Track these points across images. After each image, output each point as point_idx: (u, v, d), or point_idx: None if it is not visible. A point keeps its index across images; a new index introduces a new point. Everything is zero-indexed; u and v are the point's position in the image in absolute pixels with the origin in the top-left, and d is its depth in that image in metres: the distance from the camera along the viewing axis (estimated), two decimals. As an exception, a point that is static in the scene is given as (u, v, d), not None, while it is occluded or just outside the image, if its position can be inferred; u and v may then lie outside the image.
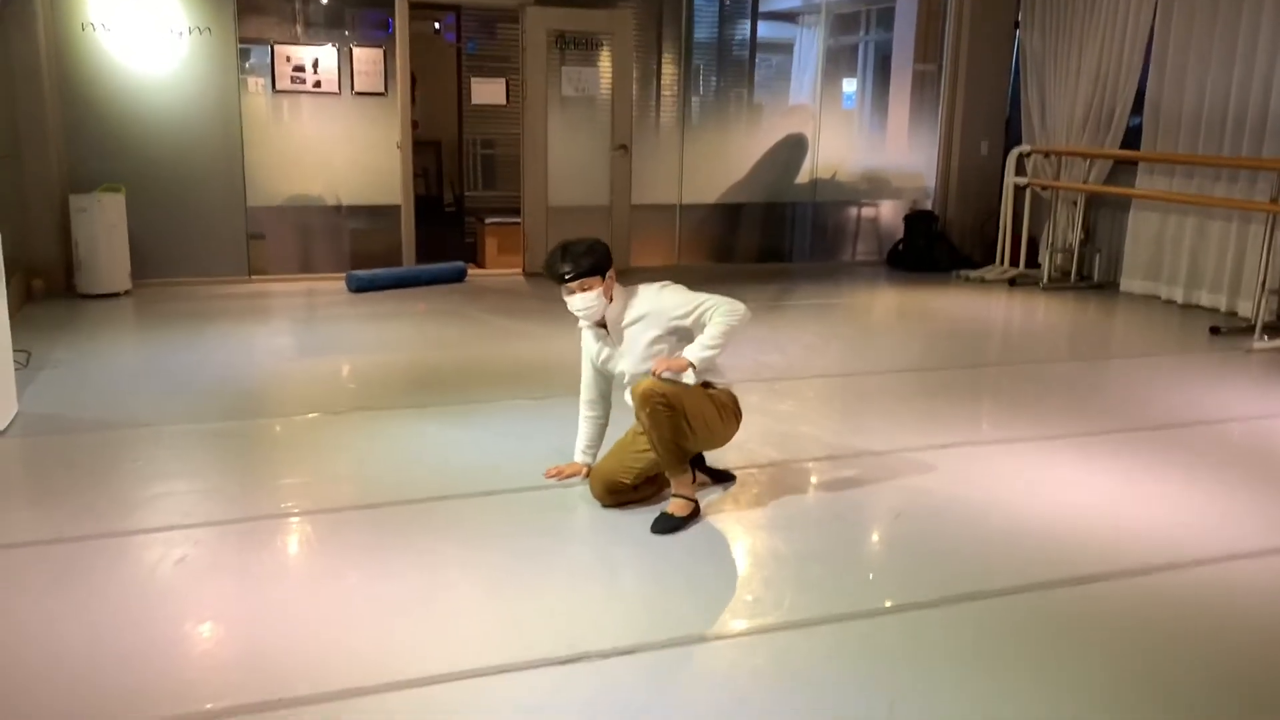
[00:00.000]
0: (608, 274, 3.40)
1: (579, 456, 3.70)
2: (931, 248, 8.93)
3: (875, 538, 3.42)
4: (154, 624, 2.72)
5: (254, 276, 7.74)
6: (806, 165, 9.03)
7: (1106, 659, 2.64)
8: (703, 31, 8.80)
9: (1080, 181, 8.18)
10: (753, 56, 9.10)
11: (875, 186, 9.31)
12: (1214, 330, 6.61)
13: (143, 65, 7.22)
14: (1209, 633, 2.78)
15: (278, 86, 7.61)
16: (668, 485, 3.47)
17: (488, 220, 8.81)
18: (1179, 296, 7.54)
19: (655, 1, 8.53)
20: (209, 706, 2.35)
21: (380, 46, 7.82)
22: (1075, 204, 8.26)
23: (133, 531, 3.30)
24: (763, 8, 9.01)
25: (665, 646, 2.65)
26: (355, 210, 8.01)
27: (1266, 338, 6.24)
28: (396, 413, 4.62)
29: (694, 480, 3.47)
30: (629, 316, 3.42)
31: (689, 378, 3.27)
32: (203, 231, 7.55)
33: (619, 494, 3.48)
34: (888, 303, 7.67)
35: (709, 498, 3.62)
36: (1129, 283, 7.95)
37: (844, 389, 5.16)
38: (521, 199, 8.34)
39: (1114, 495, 3.77)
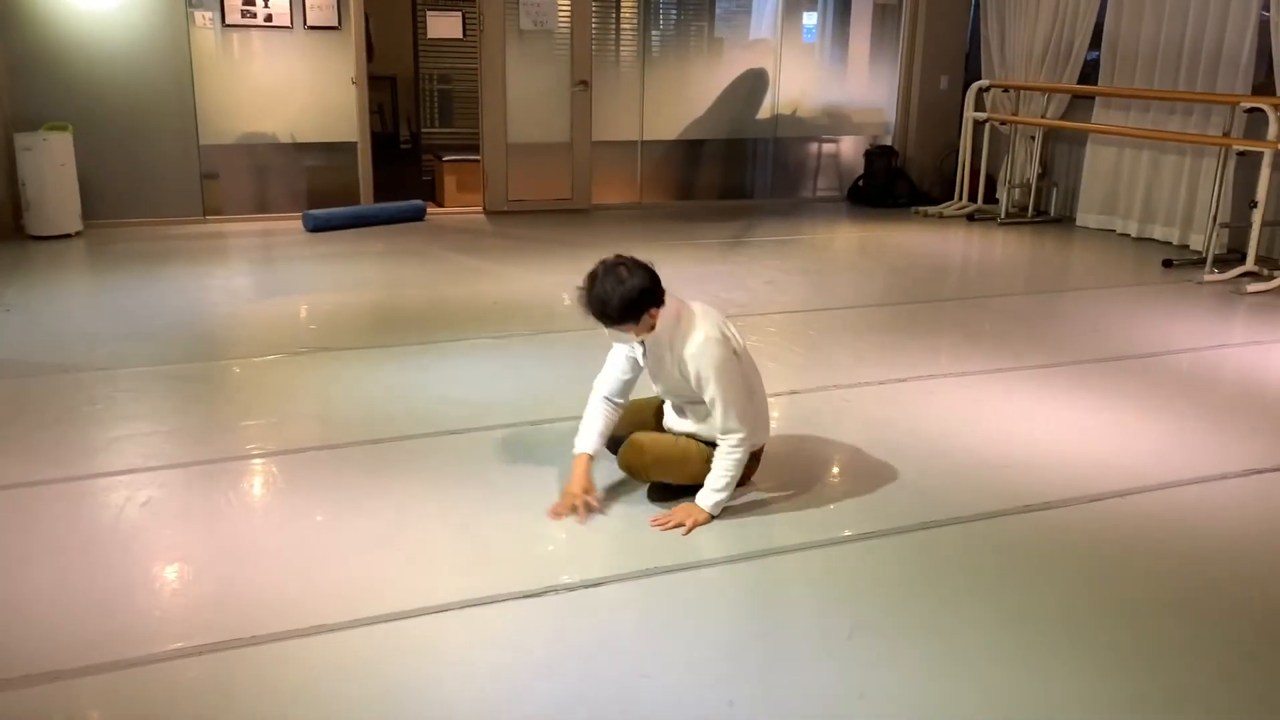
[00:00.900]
0: (647, 314, 2.90)
1: (588, 446, 3.10)
2: (891, 184, 8.95)
3: (836, 470, 3.48)
4: (121, 566, 2.72)
5: (209, 216, 7.60)
6: (767, 101, 8.98)
7: (1059, 582, 2.73)
8: (662, -37, 8.66)
9: (1038, 116, 8.21)
10: (713, -11, 8.98)
11: (836, 122, 9.28)
12: (1167, 263, 6.72)
13: (85, -2, 7.00)
14: (1157, 555, 2.88)
15: (227, 21, 7.40)
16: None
17: (446, 158, 8.69)
18: (1133, 230, 7.64)
19: (614, -68, 8.37)
20: (178, 645, 2.37)
21: (332, -22, 7.62)
22: (1033, 139, 8.30)
23: (95, 475, 3.28)
24: (723, -61, 8.88)
25: (634, 578, 2.70)
26: (311, 148, 7.86)
27: (1217, 270, 6.35)
28: (359, 353, 4.60)
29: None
30: (670, 356, 2.99)
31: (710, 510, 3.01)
32: (154, 171, 7.38)
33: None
34: (849, 239, 7.70)
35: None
36: (1085, 217, 8.04)
37: (806, 324, 5.21)
38: (480, 136, 8.23)
39: (1069, 425, 3.86)
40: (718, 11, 8.96)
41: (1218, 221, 6.57)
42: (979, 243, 7.60)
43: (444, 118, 10.73)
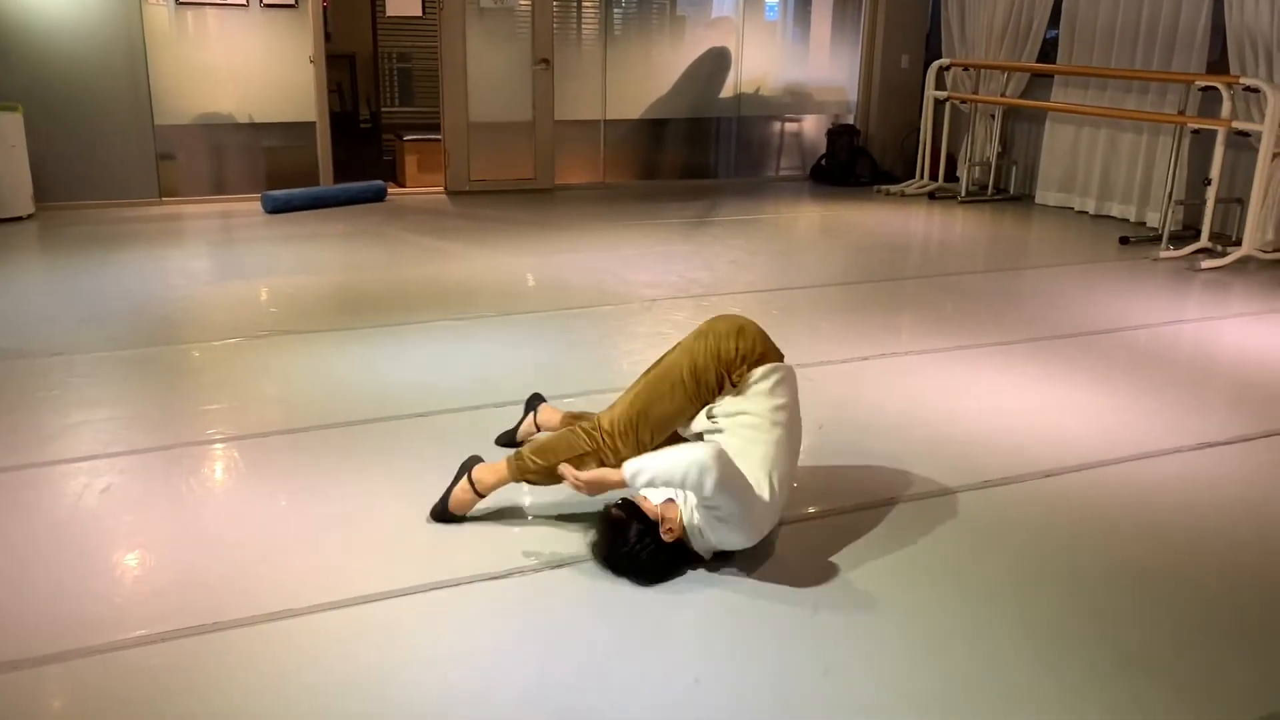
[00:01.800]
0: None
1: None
2: (854, 162, 8.99)
3: (800, 448, 3.50)
4: (81, 553, 2.69)
5: (165, 198, 7.49)
6: (730, 79, 8.97)
7: (1017, 557, 2.78)
8: (623, -59, 8.61)
9: (998, 95, 8.27)
10: (675, -33, 8.94)
11: (798, 101, 9.30)
12: (1123, 240, 6.81)
13: (33, -26, 6.84)
14: (1111, 528, 2.94)
15: (180, -2, 7.28)
16: None
17: (406, 137, 8.62)
18: (1091, 208, 7.74)
19: (574, -91, 8.31)
20: (141, 633, 2.35)
21: (288, -45, 7.50)
22: (993, 117, 8.37)
23: (52, 462, 3.24)
24: (684, -84, 8.83)
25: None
26: (268, 128, 7.76)
27: (1172, 247, 6.45)
28: (321, 336, 4.57)
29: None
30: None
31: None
32: (108, 152, 7.25)
33: None
34: (811, 218, 7.74)
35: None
36: (1044, 195, 8.13)
37: (770, 304, 5.23)
38: (441, 115, 8.16)
39: (1028, 401, 3.92)
40: (680, -11, 8.94)
41: (1173, 199, 6.67)
42: (940, 221, 7.66)
43: (404, 97, 10.63)
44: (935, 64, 8.53)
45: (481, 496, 2.88)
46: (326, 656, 2.29)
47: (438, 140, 8.27)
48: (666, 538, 2.59)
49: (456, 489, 2.89)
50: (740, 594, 2.58)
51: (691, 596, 2.56)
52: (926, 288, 5.71)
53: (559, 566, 2.67)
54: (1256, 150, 6.16)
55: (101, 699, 2.14)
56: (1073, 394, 4.01)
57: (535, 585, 2.59)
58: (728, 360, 2.75)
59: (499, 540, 2.80)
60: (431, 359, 4.29)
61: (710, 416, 2.76)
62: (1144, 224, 7.27)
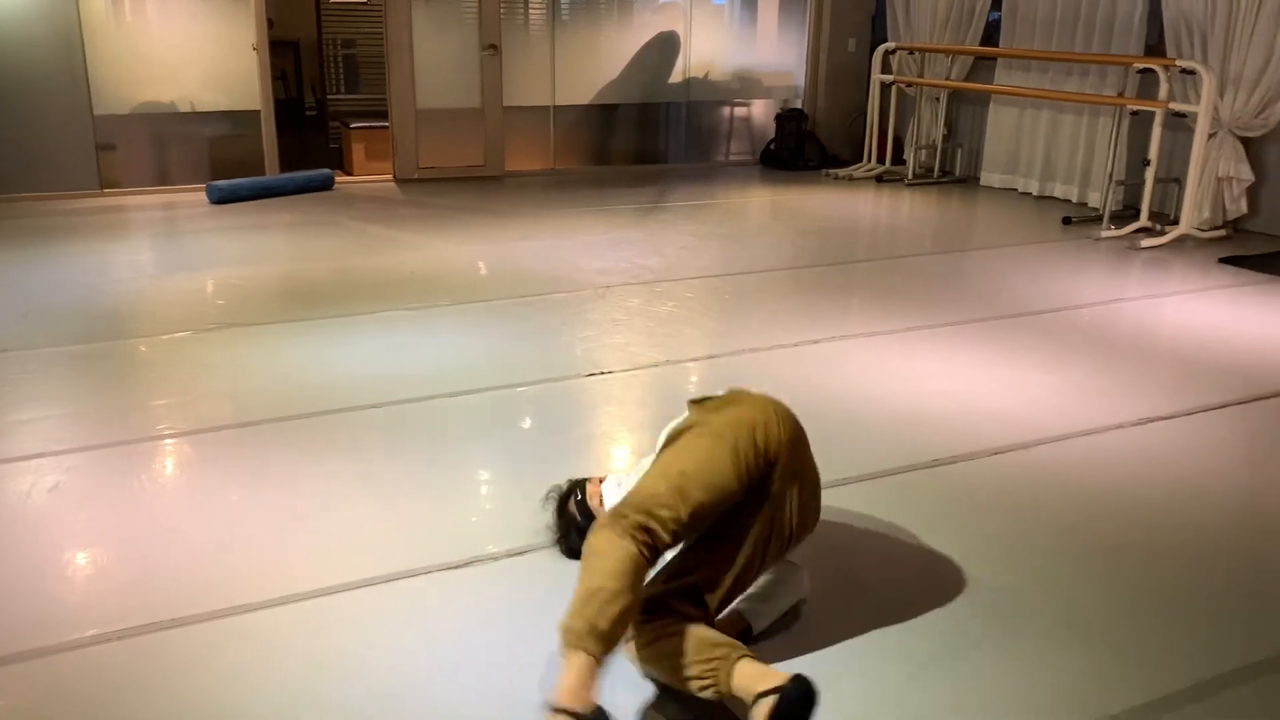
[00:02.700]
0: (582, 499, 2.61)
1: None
2: (802, 146, 9.05)
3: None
4: (31, 553, 2.65)
5: (106, 190, 7.34)
6: (679, 64, 8.98)
7: (963, 531, 2.84)
8: (569, -75, 8.56)
9: (943, 78, 8.37)
10: (621, -49, 8.92)
11: (747, 85, 9.33)
12: (1066, 220, 6.94)
13: (-38, -40, 6.65)
14: (1057, 503, 3.01)
15: (117, -16, 7.12)
16: None
17: (354, 125, 8.52)
18: (1034, 189, 7.87)
19: (519, -107, 8.24)
20: (94, 632, 2.33)
21: (228, -60, 7.37)
22: (938, 100, 8.47)
23: (-2, 461, 3.19)
24: (630, -100, 8.81)
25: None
26: (211, 117, 7.63)
27: (1114, 227, 6.59)
28: (271, 328, 4.52)
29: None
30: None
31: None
32: (46, 142, 7.09)
33: None
34: (761, 202, 7.78)
35: (600, 414, 3.67)
36: (989, 176, 8.25)
37: (721, 288, 5.27)
38: (389, 102, 8.08)
39: (977, 381, 4.00)
40: (627, -27, 8.92)
41: (1113, 179, 6.80)
42: (887, 204, 7.75)
43: (350, 84, 10.51)
44: (881, 48, 8.61)
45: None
46: (287, 651, 2.28)
47: (385, 128, 8.19)
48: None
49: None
50: (698, 577, 2.61)
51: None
52: (876, 270, 5.78)
53: (518, 555, 2.68)
54: (1193, 131, 6.31)
55: (55, 700, 2.12)
56: (1020, 373, 4.09)
57: (495, 573, 2.60)
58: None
59: (457, 530, 2.80)
60: (384, 349, 4.26)
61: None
62: (1086, 204, 7.42)
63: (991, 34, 8.18)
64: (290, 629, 2.36)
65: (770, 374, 4.02)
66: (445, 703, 2.12)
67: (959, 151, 8.56)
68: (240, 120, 7.66)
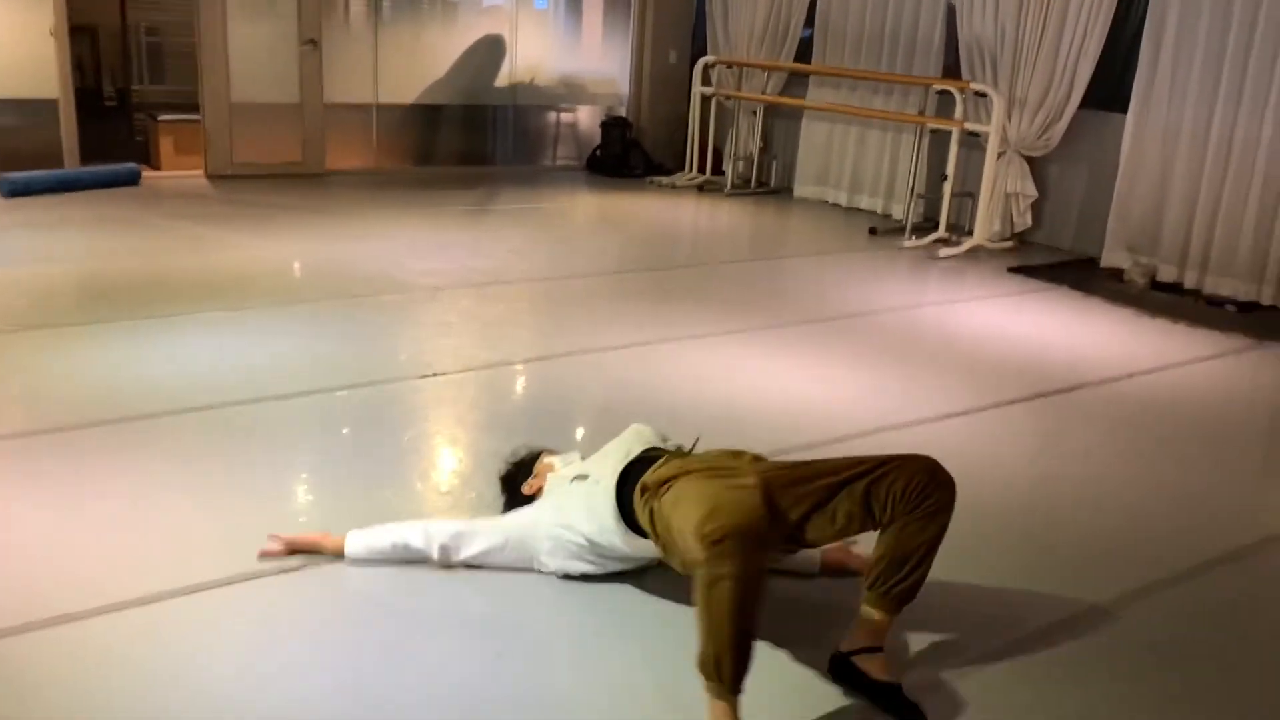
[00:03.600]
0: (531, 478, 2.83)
1: None
2: (627, 154, 9.22)
3: (581, 431, 3.65)
4: None
5: (-122, 179, 6.74)
6: (505, 68, 9.00)
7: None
8: (392, -78, 8.45)
9: (759, 92, 8.72)
10: (445, -48, 8.86)
11: (572, 91, 9.44)
12: (872, 231, 7.38)
13: None
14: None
15: (-108, -44, 6.56)
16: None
17: (161, 117, 8.12)
18: (844, 200, 8.30)
19: (340, -114, 8.08)
20: (-104, 650, 2.19)
21: (21, -84, 6.90)
22: (755, 114, 8.81)
23: None
24: (454, -99, 8.77)
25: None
26: (3, 105, 7.12)
27: (915, 237, 7.06)
28: (75, 330, 4.29)
29: None
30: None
31: None
32: None
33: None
34: (588, 207, 7.91)
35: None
36: (801, 188, 8.65)
37: (550, 292, 5.35)
38: (200, 94, 7.75)
39: (794, 379, 4.23)
40: (451, -26, 8.87)
41: (915, 193, 7.28)
42: (708, 212, 8.02)
43: (155, 74, 10.00)
44: (701, 61, 8.88)
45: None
46: (114, 660, 2.21)
47: (196, 121, 7.86)
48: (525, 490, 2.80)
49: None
50: (533, 573, 2.67)
51: (491, 577, 2.63)
52: (698, 275, 6.00)
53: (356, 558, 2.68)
54: (985, 149, 6.83)
55: None
56: (831, 371, 4.36)
57: (330, 576, 2.59)
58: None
59: (293, 530, 2.76)
60: (202, 352, 4.12)
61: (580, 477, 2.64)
62: (890, 215, 7.89)
63: (805, 50, 8.57)
64: (116, 639, 2.28)
65: (599, 375, 4.13)
66: (287, 706, 2.11)
67: (774, 163, 8.92)
68: (34, 109, 7.18)
